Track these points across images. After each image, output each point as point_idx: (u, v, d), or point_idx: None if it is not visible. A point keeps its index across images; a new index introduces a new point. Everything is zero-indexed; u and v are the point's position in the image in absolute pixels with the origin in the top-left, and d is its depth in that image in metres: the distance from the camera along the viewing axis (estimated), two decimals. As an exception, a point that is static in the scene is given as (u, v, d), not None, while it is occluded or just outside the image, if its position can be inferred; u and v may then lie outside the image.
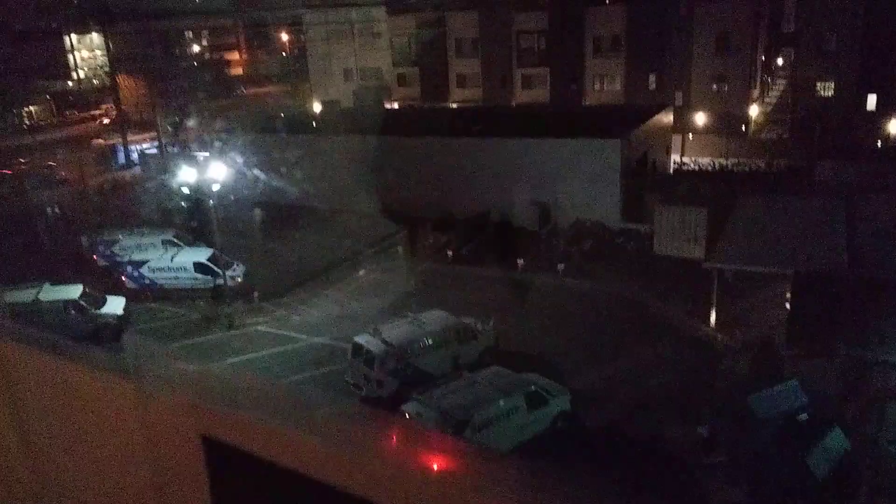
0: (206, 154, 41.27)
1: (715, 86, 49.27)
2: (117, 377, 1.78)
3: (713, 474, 16.96)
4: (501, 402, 17.90)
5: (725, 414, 18.05)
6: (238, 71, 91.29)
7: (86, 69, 79.81)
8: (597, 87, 52.62)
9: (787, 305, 22.71)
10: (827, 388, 19.01)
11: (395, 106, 57.75)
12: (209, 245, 31.05)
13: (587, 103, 51.58)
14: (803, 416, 16.88)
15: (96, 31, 73.80)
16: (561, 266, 28.89)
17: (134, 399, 1.72)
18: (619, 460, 17.29)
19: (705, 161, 45.85)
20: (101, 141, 57.96)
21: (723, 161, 45.08)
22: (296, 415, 1.43)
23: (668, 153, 43.40)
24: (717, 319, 23.63)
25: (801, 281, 21.97)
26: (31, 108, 70.39)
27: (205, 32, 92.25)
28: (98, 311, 25.87)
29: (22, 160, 52.22)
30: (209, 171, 33.16)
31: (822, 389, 18.67)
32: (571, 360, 21.97)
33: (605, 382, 20.77)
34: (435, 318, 22.14)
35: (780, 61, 64.81)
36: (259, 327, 26.28)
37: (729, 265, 23.62)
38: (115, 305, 26.59)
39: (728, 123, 47.42)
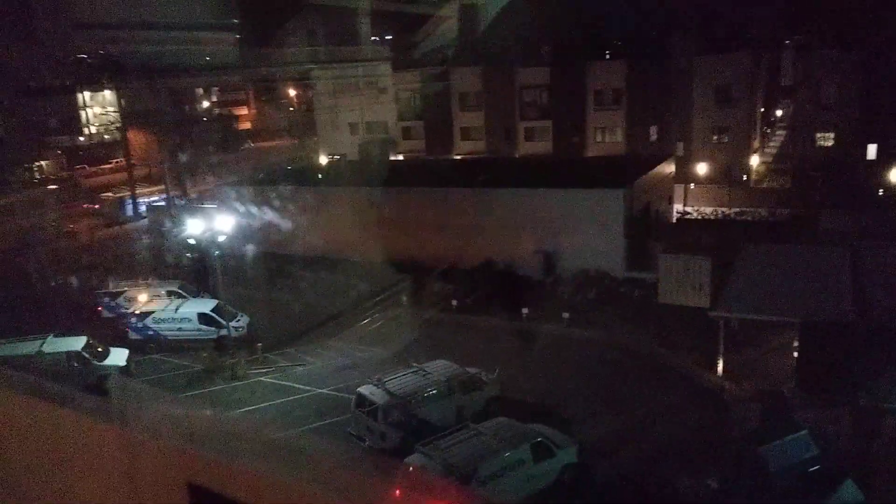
0: (213, 206, 41.73)
1: (716, 137, 49.89)
2: (103, 422, 1.73)
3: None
4: (507, 454, 17.58)
5: (736, 465, 17.66)
6: (246, 125, 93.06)
7: (97, 125, 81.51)
8: (599, 138, 53.36)
9: (795, 354, 22.47)
10: (839, 438, 18.64)
11: (401, 158, 58.56)
12: (214, 296, 31.12)
13: (590, 155, 52.22)
14: (815, 468, 16.49)
15: (109, 89, 75.65)
16: (566, 315, 28.75)
17: (120, 444, 1.67)
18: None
19: (708, 210, 46.10)
20: (110, 194, 58.74)
21: (725, 210, 45.32)
22: (289, 462, 1.37)
23: (671, 202, 43.68)
24: (724, 368, 23.35)
25: (809, 330, 21.80)
26: (43, 162, 71.61)
27: (214, 88, 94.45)
28: (101, 363, 25.74)
29: (30, 214, 52.85)
30: (215, 223, 33.49)
31: (834, 440, 18.31)
32: (578, 410, 21.65)
33: (613, 433, 20.42)
34: (439, 367, 21.96)
35: (779, 113, 65.79)
36: (262, 378, 26.08)
37: (735, 314, 23.47)
38: (118, 357, 26.49)
39: (729, 173, 47.84)
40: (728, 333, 23.52)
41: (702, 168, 48.10)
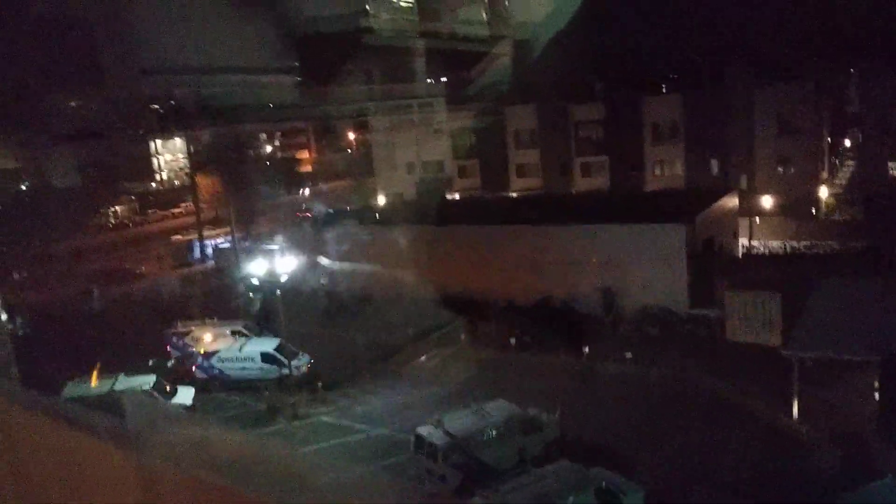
0: (276, 247, 42.79)
1: (780, 168, 48.47)
2: (119, 445, 1.68)
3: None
4: (570, 501, 17.06)
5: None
6: (307, 167, 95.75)
7: (168, 170, 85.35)
8: (657, 172, 52.58)
9: (876, 396, 21.23)
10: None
11: (457, 196, 59.01)
12: (276, 335, 31.70)
13: (649, 189, 51.46)
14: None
15: (178, 136, 79.31)
16: (628, 354, 28.04)
17: (136, 470, 1.62)
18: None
19: (776, 244, 44.52)
20: (179, 237, 61.07)
21: (794, 244, 43.67)
22: (318, 489, 1.28)
23: (736, 237, 42.43)
24: (799, 410, 22.22)
25: (890, 368, 20.59)
26: (117, 207, 75.23)
27: (277, 133, 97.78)
28: (169, 402, 26.42)
29: (105, 256, 55.38)
30: (277, 263, 34.32)
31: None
32: (643, 453, 20.90)
33: (681, 477, 19.60)
34: (499, 408, 21.64)
35: (847, 142, 63.55)
36: (323, 417, 26.25)
37: (809, 352, 22.41)
38: (184, 396, 27.16)
39: (797, 205, 46.22)
40: (802, 373, 22.44)
41: (767, 201, 46.70)
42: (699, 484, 19.26)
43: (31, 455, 2.15)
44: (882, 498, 15.91)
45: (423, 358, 30.92)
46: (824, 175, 51.03)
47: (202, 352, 30.71)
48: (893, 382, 20.48)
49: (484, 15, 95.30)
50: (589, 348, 29.01)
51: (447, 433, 20.08)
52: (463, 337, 32.10)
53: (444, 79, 79.12)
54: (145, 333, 35.32)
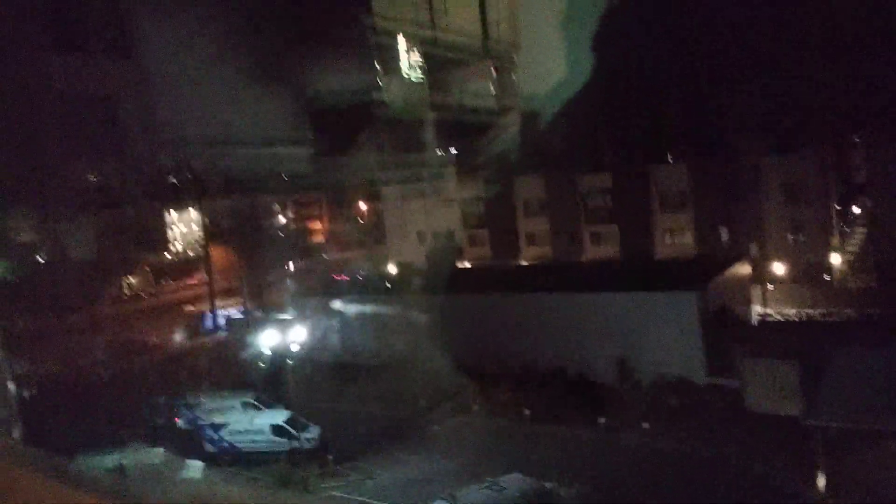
0: (288, 317, 42.86)
1: (791, 236, 48.61)
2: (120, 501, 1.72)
3: None
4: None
5: None
6: (319, 238, 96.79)
7: (182, 242, 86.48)
8: (667, 240, 52.82)
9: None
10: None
11: (468, 265, 59.30)
12: (287, 407, 31.35)
13: (659, 257, 51.54)
14: None
15: (193, 208, 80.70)
16: (645, 425, 27.46)
17: None
18: None
19: (790, 312, 44.16)
20: (191, 308, 61.26)
21: (809, 311, 43.28)
22: None
23: (749, 304, 42.17)
24: (826, 483, 21.52)
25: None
26: (132, 278, 75.87)
27: (290, 203, 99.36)
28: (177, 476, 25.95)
29: (118, 328, 55.55)
30: (289, 334, 34.30)
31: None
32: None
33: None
34: (514, 482, 21.14)
35: (856, 209, 63.79)
36: (334, 492, 25.65)
37: (832, 422, 21.88)
38: (193, 470, 26.67)
39: (809, 273, 46.10)
40: (826, 443, 21.84)
41: (779, 268, 46.64)
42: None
43: None
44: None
45: (435, 429, 30.40)
46: (835, 242, 51.04)
47: (212, 424, 30.35)
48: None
49: (492, 88, 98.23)
50: (605, 419, 28.45)
51: (462, 508, 19.55)
52: (476, 407, 31.62)
53: (453, 149, 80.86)
54: (156, 405, 35.00)
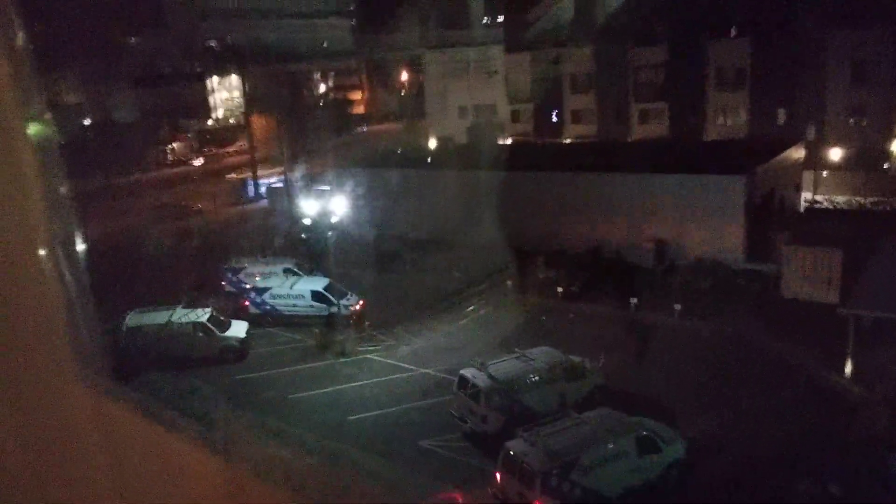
0: (328, 188, 43.21)
1: (852, 119, 46.02)
2: (209, 455, 1.75)
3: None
4: (610, 446, 17.20)
5: (862, 471, 16.39)
6: (360, 109, 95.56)
7: (224, 109, 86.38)
8: (719, 121, 50.60)
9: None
10: None
11: (509, 141, 58.20)
12: (326, 275, 32.34)
13: (709, 138, 49.66)
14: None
15: (235, 74, 79.87)
16: (677, 306, 27.65)
17: (223, 478, 1.69)
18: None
19: (841, 199, 42.69)
20: (233, 175, 62.24)
21: (861, 199, 41.77)
22: None
23: (799, 190, 40.85)
24: (852, 370, 21.66)
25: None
26: (174, 145, 76.81)
27: (331, 74, 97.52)
28: (223, 334, 27.46)
29: (163, 193, 57.00)
30: (329, 204, 34.70)
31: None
32: (687, 405, 20.82)
33: (724, 431, 19.49)
34: (543, 354, 21.76)
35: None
36: (369, 356, 26.90)
37: (869, 311, 21.68)
38: (238, 329, 28.14)
39: (867, 159, 43.99)
40: (859, 332, 21.77)
41: (835, 153, 44.59)
42: (740, 435, 19.11)
43: (128, 455, 2.27)
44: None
45: (469, 303, 31.15)
46: (899, 128, 48.27)
47: (255, 288, 31.61)
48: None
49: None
50: (637, 299, 28.70)
51: (490, 376, 20.34)
52: (511, 284, 32.13)
53: (500, 19, 77.00)
54: (202, 269, 36.47)
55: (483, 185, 37.31)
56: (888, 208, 38.71)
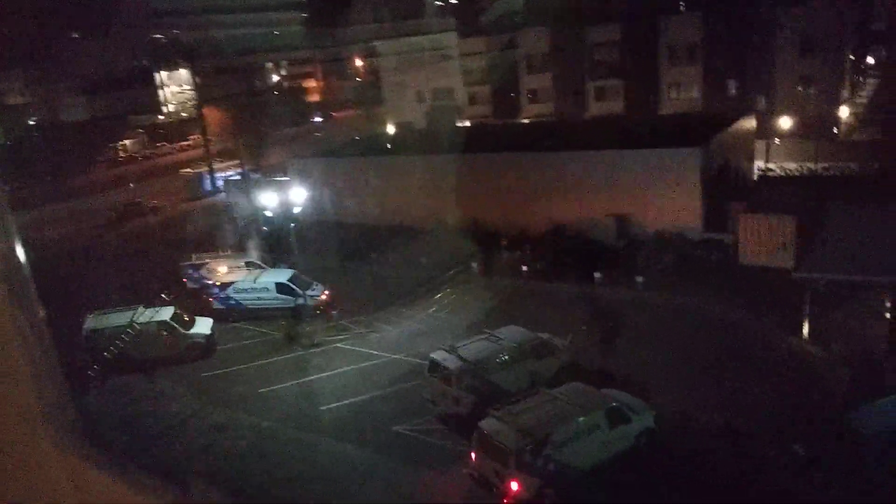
0: (286, 178, 42.68)
1: (801, 88, 47.19)
2: None
3: (812, 494, 15.94)
4: (581, 419, 17.47)
5: (824, 431, 16.98)
6: (315, 97, 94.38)
7: (175, 103, 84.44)
8: (673, 95, 51.37)
9: (888, 315, 21.27)
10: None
11: (467, 124, 58.19)
12: (290, 266, 32.01)
13: (664, 113, 50.38)
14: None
15: (184, 68, 78.08)
16: (640, 279, 28.13)
17: None
18: (708, 482, 16.52)
19: (792, 167, 43.81)
20: (188, 170, 61.08)
21: (811, 166, 42.95)
22: None
23: (752, 160, 41.75)
24: (810, 332, 22.37)
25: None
26: (126, 141, 74.92)
27: (285, 64, 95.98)
28: (187, 332, 27.01)
29: (116, 190, 55.61)
30: (289, 195, 34.27)
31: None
32: (654, 376, 21.25)
33: (691, 400, 19.97)
34: (511, 334, 21.94)
35: (870, 60, 61.48)
36: (339, 345, 26.78)
37: (822, 274, 22.36)
38: (203, 326, 27.71)
39: (816, 126, 45.20)
40: (814, 295, 22.47)
41: (786, 122, 45.66)
42: (706, 403, 19.60)
43: None
44: (889, 415, 16.15)
45: (435, 287, 31.19)
46: (846, 94, 49.63)
47: (218, 283, 31.14)
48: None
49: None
50: (600, 275, 29.10)
51: (460, 358, 20.45)
52: (475, 266, 32.26)
53: (455, 2, 76.57)
54: (162, 266, 35.81)
55: (443, 169, 37.25)
56: (837, 173, 39.84)
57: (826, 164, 42.30)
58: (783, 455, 16.75)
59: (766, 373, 20.93)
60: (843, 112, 48.31)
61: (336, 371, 24.56)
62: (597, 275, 29.07)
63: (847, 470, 15.73)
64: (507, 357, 20.91)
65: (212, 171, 56.27)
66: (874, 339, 21.33)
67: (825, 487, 15.63)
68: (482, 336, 21.94)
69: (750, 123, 40.75)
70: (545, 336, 22.30)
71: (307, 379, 24.21)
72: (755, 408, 19.05)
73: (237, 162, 55.47)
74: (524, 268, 31.24)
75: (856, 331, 22.17)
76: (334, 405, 22.18)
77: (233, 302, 30.40)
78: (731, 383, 20.51)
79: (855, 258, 21.96)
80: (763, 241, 26.75)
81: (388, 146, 49.45)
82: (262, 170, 53.10)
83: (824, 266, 22.25)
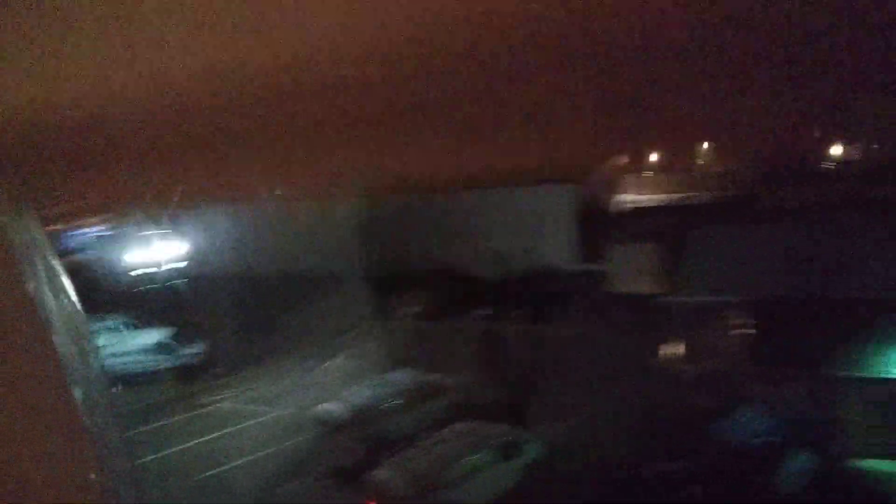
0: (165, 230, 40.67)
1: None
2: None
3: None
4: (473, 458, 17.52)
5: (693, 444, 17.91)
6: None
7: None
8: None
9: (751, 332, 22.92)
10: (796, 410, 19.06)
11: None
12: (169, 324, 30.41)
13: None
14: (774, 440, 16.85)
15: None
16: (516, 312, 29.10)
17: None
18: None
19: (660, 198, 46.82)
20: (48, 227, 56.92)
21: (677, 196, 46.01)
22: None
23: (624, 193, 44.33)
24: (674, 352, 23.73)
25: (762, 306, 22.27)
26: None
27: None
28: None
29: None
30: (162, 250, 32.74)
31: (792, 412, 18.71)
32: (537, 405, 21.72)
33: (570, 427, 20.51)
34: (399, 378, 21.84)
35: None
36: (221, 404, 25.55)
37: (686, 297, 23.86)
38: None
39: (680, 161, 48.74)
40: (681, 316, 23.88)
41: (653, 157, 48.90)
42: (587, 429, 20.20)
43: None
44: (754, 425, 17.33)
45: (321, 335, 30.56)
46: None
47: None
48: (765, 318, 22.17)
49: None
50: (487, 310, 29.72)
51: (349, 408, 20.07)
52: (358, 309, 31.95)
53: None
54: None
55: (327, 219, 36.86)
56: (696, 202, 42.93)
57: (685, 195, 45.52)
58: (659, 469, 17.50)
59: (640, 394, 21.91)
60: (704, 146, 52.40)
61: (220, 433, 23.30)
62: (477, 311, 29.79)
63: (722, 481, 16.63)
64: (396, 402, 20.74)
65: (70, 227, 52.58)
66: (736, 355, 22.88)
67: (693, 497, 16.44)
68: (370, 382, 21.68)
69: (622, 160, 43.26)
70: (435, 377, 22.35)
71: (187, 444, 22.82)
72: (631, 428, 19.85)
73: (105, 215, 52.25)
74: (416, 309, 31.39)
75: (722, 348, 23.71)
76: (215, 472, 20.97)
77: (104, 368, 28.35)
78: (612, 405, 21.30)
79: (718, 279, 23.62)
80: (630, 268, 28.39)
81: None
82: (135, 222, 50.32)
83: (688, 289, 23.77)
